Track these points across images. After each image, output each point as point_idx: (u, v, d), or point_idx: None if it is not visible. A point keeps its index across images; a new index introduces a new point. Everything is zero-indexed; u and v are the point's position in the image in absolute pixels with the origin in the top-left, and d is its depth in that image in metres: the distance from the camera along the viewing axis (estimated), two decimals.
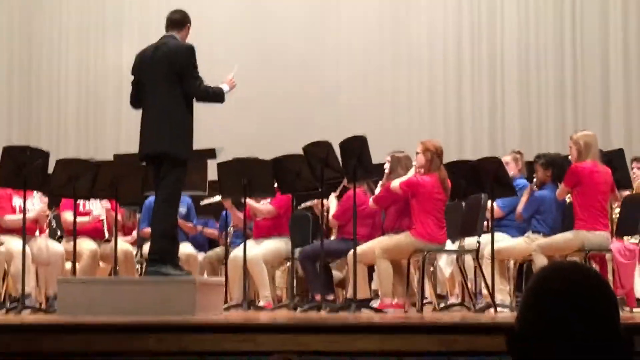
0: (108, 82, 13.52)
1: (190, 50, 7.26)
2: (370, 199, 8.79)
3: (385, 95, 13.47)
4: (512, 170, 8.94)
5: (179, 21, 7.47)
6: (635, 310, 8.17)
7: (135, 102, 7.51)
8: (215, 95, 7.44)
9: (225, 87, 7.52)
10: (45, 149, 8.68)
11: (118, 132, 13.40)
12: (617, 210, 8.89)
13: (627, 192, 8.87)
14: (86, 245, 8.94)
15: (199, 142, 8.87)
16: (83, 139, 13.95)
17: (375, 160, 8.27)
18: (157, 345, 5.20)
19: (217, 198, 9.48)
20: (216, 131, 12.26)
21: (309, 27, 13.67)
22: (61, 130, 14.05)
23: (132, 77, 7.50)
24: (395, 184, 8.45)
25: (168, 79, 7.19)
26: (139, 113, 7.38)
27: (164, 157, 7.17)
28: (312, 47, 13.58)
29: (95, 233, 9.14)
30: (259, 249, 9.21)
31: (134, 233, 9.90)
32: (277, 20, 13.69)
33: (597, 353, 1.97)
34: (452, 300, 9.10)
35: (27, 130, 13.96)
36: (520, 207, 8.75)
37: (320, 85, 13.40)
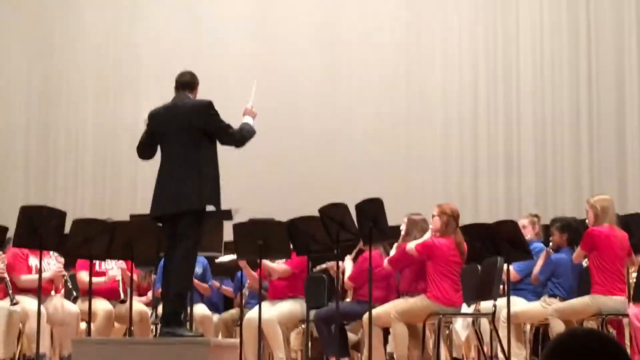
0: (124, 140, 13.56)
1: (209, 105, 7.30)
2: (385, 260, 8.78)
3: (399, 155, 13.47)
4: (528, 233, 8.93)
5: (189, 82, 7.49)
6: None
7: (143, 150, 7.52)
8: (249, 133, 7.48)
9: (249, 120, 7.55)
10: (61, 208, 8.73)
11: (134, 191, 13.45)
12: (634, 274, 8.84)
13: None
14: (101, 305, 8.95)
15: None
16: (99, 199, 13.98)
17: (390, 219, 8.27)
18: None
19: (232, 257, 9.47)
20: (230, 193, 12.28)
21: (322, 87, 13.72)
22: (78, 190, 14.09)
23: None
24: (411, 246, 8.45)
25: (190, 136, 7.19)
26: (154, 172, 7.36)
27: (183, 214, 7.14)
28: (325, 107, 13.61)
29: (110, 294, 9.15)
30: (274, 311, 9.19)
31: (149, 294, 9.90)
32: (290, 75, 13.73)
33: None
34: None
35: (44, 189, 14.01)
36: (536, 270, 8.74)
37: (334, 145, 13.43)
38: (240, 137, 7.39)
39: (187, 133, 7.20)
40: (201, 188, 7.14)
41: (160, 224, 7.49)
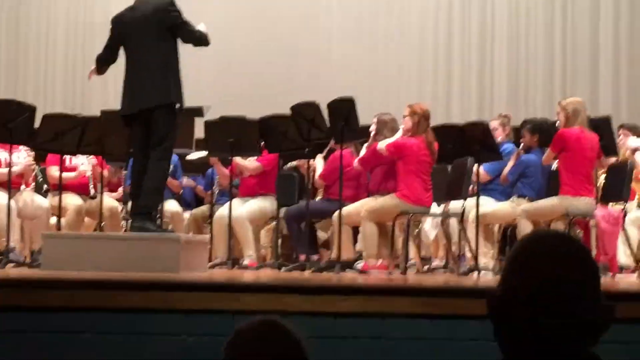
0: (96, 36, 13.38)
1: (172, 2, 7.37)
2: (355, 160, 8.80)
3: (375, 57, 13.42)
4: (499, 135, 8.96)
5: None
6: (618, 276, 8.22)
7: (104, 60, 7.60)
8: (205, 36, 7.48)
9: (202, 27, 7.55)
10: (32, 103, 8.66)
11: (105, 87, 13.30)
12: (603, 176, 8.91)
13: (613, 160, 8.88)
14: (72, 200, 8.95)
15: (187, 100, 8.87)
16: (70, 94, 13.89)
17: (362, 122, 8.27)
18: (142, 302, 5.21)
19: (204, 153, 9.46)
20: (204, 89, 12.23)
21: None
22: (48, 85, 13.99)
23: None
24: (382, 145, 8.46)
25: (154, 34, 7.27)
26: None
27: (159, 108, 7.17)
28: (304, 5, 13.50)
29: (81, 189, 9.13)
30: (245, 208, 9.21)
31: (120, 189, 9.90)
32: None
33: (578, 319, 2.00)
34: (437, 263, 9.14)
35: (14, 84, 13.88)
36: (506, 170, 8.79)
37: (310, 45, 13.35)
38: (199, 35, 7.43)
39: (150, 31, 7.28)
40: (168, 83, 7.24)
41: (127, 124, 7.48)
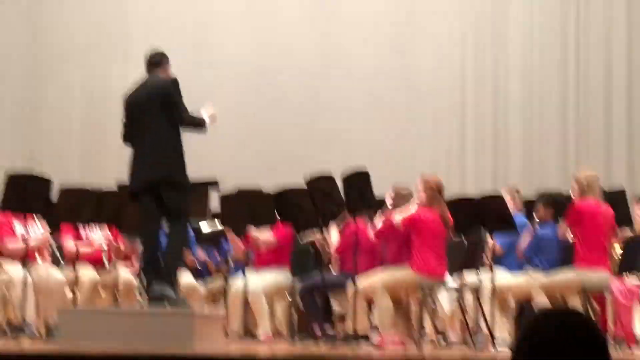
0: (112, 106, 13.44)
1: (175, 82, 7.48)
2: (371, 233, 8.80)
3: (388, 127, 13.46)
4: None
5: (158, 61, 7.67)
6: (634, 348, 8.16)
7: (125, 139, 7.71)
8: (200, 123, 7.56)
9: (204, 117, 7.62)
10: (48, 175, 8.71)
11: (122, 159, 13.33)
12: (618, 249, 8.88)
13: (628, 232, 8.87)
14: (87, 274, 8.94)
15: (201, 172, 8.91)
16: (86, 167, 13.94)
17: (376, 189, 8.29)
18: None
19: (219, 227, 9.48)
20: (219, 162, 12.28)
21: (313, 58, 13.68)
22: (64, 157, 14.03)
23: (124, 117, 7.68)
24: (398, 219, 8.45)
25: (158, 112, 7.38)
26: None
27: (165, 183, 7.24)
28: (316, 78, 13.58)
29: (96, 262, 9.13)
30: (260, 281, 9.19)
31: (135, 263, 9.89)
32: (281, 49, 13.70)
33: None
34: (452, 336, 9.08)
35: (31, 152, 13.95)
36: (522, 245, 8.76)
37: (324, 117, 13.41)
38: (190, 119, 7.48)
39: (152, 108, 7.39)
40: (176, 161, 7.35)
41: (134, 200, 7.55)
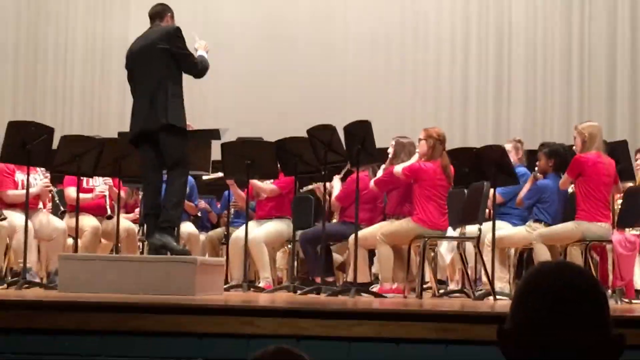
0: (113, 57, 13.45)
1: (177, 31, 7.48)
2: (371, 182, 8.80)
3: (390, 80, 13.44)
4: (512, 158, 8.92)
5: (159, 12, 7.67)
6: (634, 302, 8.17)
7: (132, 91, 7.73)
8: (205, 65, 7.64)
9: (203, 54, 7.68)
10: (49, 124, 8.70)
11: (123, 108, 13.34)
12: (619, 201, 8.87)
13: (629, 184, 8.85)
14: (88, 221, 8.96)
15: (205, 122, 8.91)
16: (88, 116, 13.95)
17: (378, 144, 8.26)
18: (156, 325, 5.21)
19: (220, 174, 9.49)
20: (221, 112, 12.27)
21: (316, 6, 13.62)
22: (66, 107, 14.04)
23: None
24: (398, 169, 8.46)
25: (159, 61, 7.38)
26: None
27: (164, 131, 7.24)
28: (319, 27, 13.53)
29: (97, 210, 9.15)
30: (261, 231, 9.22)
31: (137, 211, 9.92)
32: (285, 1, 13.65)
33: (588, 351, 1.98)
34: (452, 286, 9.11)
35: (32, 105, 13.96)
36: (522, 193, 8.78)
37: (326, 68, 13.37)
38: (201, 67, 7.58)
39: (153, 57, 7.40)
40: (167, 107, 7.33)
41: (136, 146, 7.57)
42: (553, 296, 2.01)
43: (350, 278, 8.42)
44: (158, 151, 7.34)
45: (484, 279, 8.41)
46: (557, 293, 2.01)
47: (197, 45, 7.73)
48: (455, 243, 8.79)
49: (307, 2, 13.63)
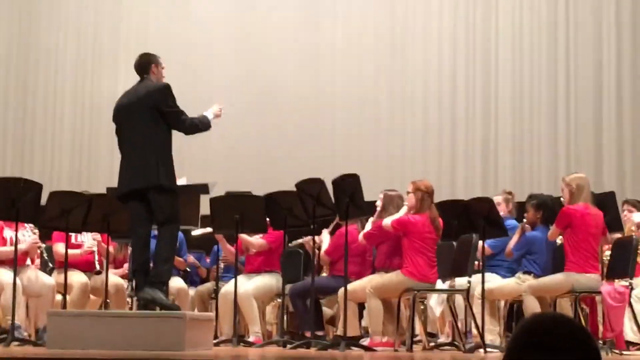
0: (103, 112, 13.46)
1: (167, 88, 7.42)
2: (360, 235, 8.80)
3: (379, 134, 13.51)
4: (502, 210, 8.96)
5: (143, 65, 7.58)
6: (624, 353, 8.16)
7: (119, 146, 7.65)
8: (203, 125, 7.57)
9: (209, 115, 7.61)
10: (38, 179, 8.69)
11: (112, 164, 13.36)
12: (608, 252, 8.89)
13: (618, 235, 8.87)
14: (77, 277, 8.92)
15: (193, 177, 8.90)
16: (76, 171, 13.95)
17: (367, 197, 8.28)
18: None
19: (209, 229, 9.49)
20: (209, 167, 12.29)
21: (305, 64, 13.72)
22: (55, 162, 14.05)
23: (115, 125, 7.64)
24: (387, 222, 8.46)
25: (147, 117, 7.32)
26: None
27: (153, 189, 7.21)
28: (307, 84, 13.62)
29: (86, 266, 9.11)
30: (250, 285, 9.20)
31: (125, 266, 9.88)
32: (273, 57, 13.73)
33: None
34: (443, 339, 9.08)
35: (21, 161, 13.96)
36: (510, 244, 8.78)
37: (315, 123, 13.44)
38: (190, 124, 7.48)
39: (141, 113, 7.34)
40: (156, 165, 7.27)
41: (124, 202, 7.52)
42: (547, 348, 2.01)
43: (340, 332, 8.39)
44: (147, 206, 7.29)
45: (474, 331, 8.39)
46: (551, 345, 2.01)
47: (210, 109, 7.63)
48: (445, 296, 8.77)
49: (298, 59, 13.70)
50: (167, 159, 7.35)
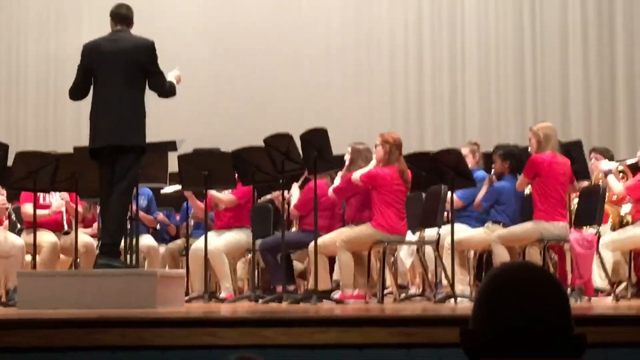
0: (68, 71, 13.33)
1: (153, 47, 7.33)
2: (330, 189, 8.81)
3: (346, 88, 13.47)
4: (469, 162, 8.97)
5: (127, 17, 7.46)
6: (593, 299, 8.25)
7: (80, 92, 7.50)
8: (174, 90, 7.52)
9: (173, 82, 7.55)
10: (3, 140, 8.63)
11: (78, 123, 13.26)
12: (576, 200, 8.95)
13: (585, 183, 8.93)
14: (46, 237, 8.89)
15: (161, 135, 8.86)
16: (42, 131, 13.84)
17: (335, 151, 8.28)
18: (117, 339, 5.17)
19: (178, 187, 9.47)
20: (177, 124, 12.23)
21: (271, 19, 13.62)
22: (20, 122, 13.92)
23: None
24: (356, 175, 8.47)
25: (130, 72, 7.23)
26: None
27: (125, 149, 7.17)
28: (274, 39, 13.53)
29: (55, 225, 9.08)
30: (220, 241, 9.20)
31: (95, 225, 9.86)
32: (240, 11, 13.62)
33: (549, 351, 2.00)
34: (413, 290, 9.14)
35: None
36: (479, 197, 8.83)
37: (282, 77, 13.38)
38: (169, 88, 7.44)
39: (126, 69, 7.24)
40: (137, 125, 7.24)
41: (93, 158, 7.44)
42: (516, 295, 2.02)
43: (311, 285, 8.43)
44: (113, 168, 7.24)
45: (445, 282, 8.45)
46: (520, 292, 2.03)
47: (172, 73, 7.55)
48: (414, 247, 8.82)
49: (262, 13, 13.61)
50: (143, 120, 7.30)
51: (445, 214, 8.65)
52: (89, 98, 7.44)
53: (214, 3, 13.67)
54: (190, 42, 13.23)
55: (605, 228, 8.88)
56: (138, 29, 7.57)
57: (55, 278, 7.34)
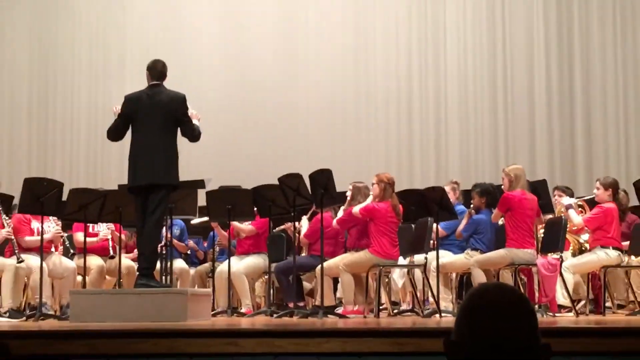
0: (112, 115, 13.34)
1: (185, 100, 7.39)
2: (334, 221, 8.81)
3: (347, 133, 13.48)
4: (451, 197, 8.97)
5: (162, 73, 7.48)
6: (557, 315, 8.21)
7: (118, 135, 7.52)
8: (199, 136, 7.52)
9: (197, 123, 7.55)
10: (59, 178, 8.65)
11: (122, 164, 13.25)
12: (542, 231, 8.94)
13: (549, 216, 8.93)
14: (94, 261, 8.90)
15: (191, 173, 8.86)
16: (92, 171, 13.85)
17: (338, 188, 8.29)
18: (153, 348, 5.16)
19: (205, 218, 9.48)
20: (205, 165, 12.24)
21: (284, 73, 13.60)
22: (73, 163, 13.94)
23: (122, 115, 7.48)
24: (356, 209, 8.49)
25: (165, 121, 7.27)
26: None
27: (158, 187, 7.18)
28: (285, 91, 13.52)
29: (102, 251, 9.09)
30: (241, 264, 9.19)
31: (135, 251, 9.84)
32: (257, 66, 13.62)
33: (520, 358, 2.01)
34: (404, 306, 9.11)
35: (44, 163, 13.84)
36: (460, 227, 8.82)
37: (293, 124, 13.40)
38: (197, 133, 7.44)
39: (162, 119, 7.26)
40: (172, 166, 7.27)
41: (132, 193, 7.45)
42: (492, 311, 2.03)
43: (318, 302, 8.40)
44: (146, 200, 7.24)
45: (431, 299, 8.42)
46: (495, 309, 2.03)
47: (189, 113, 7.56)
48: (405, 270, 8.80)
49: (275, 67, 13.63)
50: (176, 160, 7.32)
51: (431, 242, 8.63)
52: (127, 142, 7.46)
53: (237, 55, 13.68)
54: (214, 95, 13.24)
55: (567, 254, 8.86)
56: (169, 77, 7.57)
57: (102, 296, 7.33)
